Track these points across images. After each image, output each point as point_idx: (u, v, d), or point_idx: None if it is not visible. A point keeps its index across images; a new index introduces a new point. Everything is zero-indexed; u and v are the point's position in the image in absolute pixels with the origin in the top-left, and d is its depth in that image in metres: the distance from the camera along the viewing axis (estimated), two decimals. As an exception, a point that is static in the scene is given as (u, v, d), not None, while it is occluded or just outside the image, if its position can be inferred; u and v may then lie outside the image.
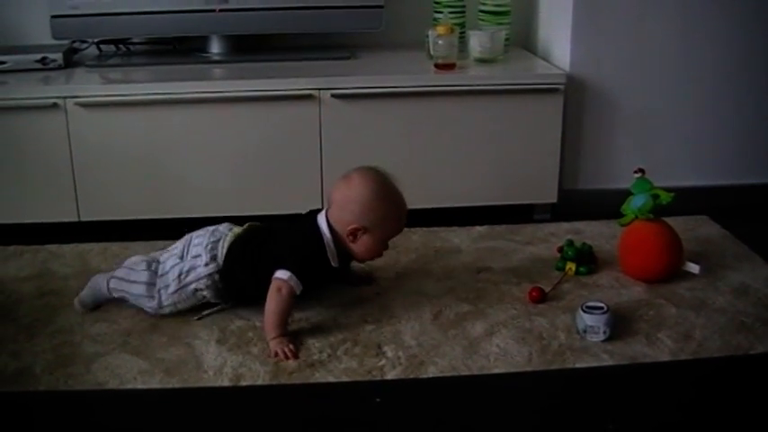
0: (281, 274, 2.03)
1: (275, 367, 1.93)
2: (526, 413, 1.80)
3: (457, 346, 2.02)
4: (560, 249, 2.45)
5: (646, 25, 2.79)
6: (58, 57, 2.81)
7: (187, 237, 2.18)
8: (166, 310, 2.12)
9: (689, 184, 2.90)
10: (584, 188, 2.94)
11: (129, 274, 2.14)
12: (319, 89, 2.64)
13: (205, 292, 2.11)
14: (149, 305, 2.11)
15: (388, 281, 2.35)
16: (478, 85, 2.71)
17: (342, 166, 2.68)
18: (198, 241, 2.13)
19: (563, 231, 2.70)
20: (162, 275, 2.11)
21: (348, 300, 2.24)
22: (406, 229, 2.57)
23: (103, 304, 2.20)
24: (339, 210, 2.09)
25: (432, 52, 2.81)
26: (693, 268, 2.34)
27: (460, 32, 2.92)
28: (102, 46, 3.05)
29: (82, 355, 1.98)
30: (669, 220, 2.36)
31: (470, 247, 2.57)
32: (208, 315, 2.14)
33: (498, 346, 2.02)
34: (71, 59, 2.90)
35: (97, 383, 1.88)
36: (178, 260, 2.12)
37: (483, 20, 3.00)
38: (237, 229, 2.17)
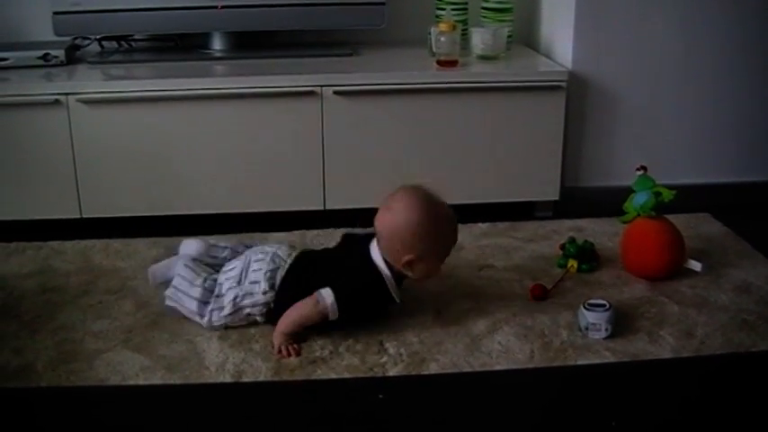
0: (326, 292, 1.98)
1: (277, 364, 1.93)
2: (528, 410, 1.80)
3: (459, 343, 2.02)
4: (562, 247, 2.45)
5: (648, 23, 2.78)
6: (60, 53, 2.81)
7: (245, 257, 2.13)
8: (215, 327, 2.08)
9: (691, 181, 2.90)
10: (587, 185, 2.94)
11: (183, 284, 2.10)
12: (321, 86, 2.63)
13: (257, 317, 2.08)
14: (199, 321, 2.07)
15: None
16: (481, 83, 2.71)
17: (344, 162, 2.69)
18: (257, 266, 2.08)
19: (565, 229, 2.70)
20: (218, 296, 2.07)
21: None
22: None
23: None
24: (388, 242, 2.00)
25: (434, 49, 2.81)
26: (695, 266, 2.34)
27: (463, 29, 2.92)
28: (104, 43, 3.04)
29: (84, 352, 1.98)
30: (671, 218, 2.36)
31: (472, 245, 2.57)
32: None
33: (500, 343, 2.02)
34: (73, 56, 2.90)
35: (99, 380, 1.88)
36: (235, 284, 2.07)
37: (485, 17, 3.00)
38: (292, 258, 2.11)
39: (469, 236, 2.64)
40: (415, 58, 2.91)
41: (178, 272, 2.13)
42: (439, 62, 2.78)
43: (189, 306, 2.08)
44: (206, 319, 2.06)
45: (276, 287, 2.05)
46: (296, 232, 2.64)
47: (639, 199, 2.35)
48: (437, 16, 2.96)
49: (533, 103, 2.73)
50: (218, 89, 2.62)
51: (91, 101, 2.58)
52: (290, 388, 1.86)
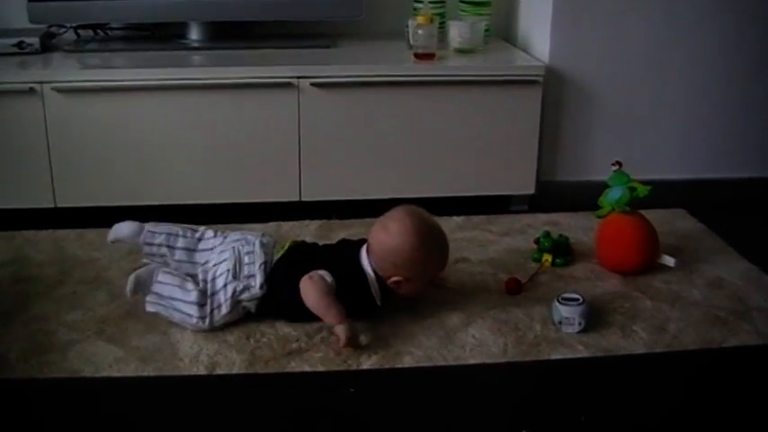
0: (313, 272, 2.00)
1: (251, 356, 1.93)
2: (500, 404, 1.81)
3: (433, 336, 2.03)
4: (537, 241, 2.46)
5: (626, 18, 2.79)
6: (35, 41, 2.78)
7: (233, 249, 2.09)
8: (216, 327, 2.04)
9: (666, 177, 2.92)
10: (562, 180, 2.95)
11: (174, 292, 2.04)
12: (298, 77, 2.63)
13: (252, 309, 2.07)
14: (196, 324, 2.02)
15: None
16: (457, 76, 2.71)
17: (320, 154, 2.69)
18: (249, 259, 2.06)
19: (540, 223, 2.70)
20: (213, 294, 2.04)
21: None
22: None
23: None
24: (380, 260, 2.03)
25: (411, 42, 2.81)
26: (669, 261, 2.36)
27: (440, 22, 2.92)
28: (79, 31, 3.02)
29: (57, 343, 1.97)
30: (646, 213, 2.37)
31: (447, 238, 2.57)
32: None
33: (474, 336, 2.03)
34: (48, 44, 2.88)
35: (72, 371, 1.87)
36: (231, 278, 2.04)
37: (463, 10, 3.00)
38: (282, 249, 2.11)
39: (445, 229, 2.60)
40: (392, 50, 2.91)
41: (160, 279, 2.06)
42: (416, 55, 2.78)
43: (186, 311, 2.02)
44: (207, 320, 2.02)
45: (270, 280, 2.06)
46: (271, 224, 2.64)
47: (614, 194, 2.36)
48: (415, 9, 2.96)
49: (510, 97, 2.74)
50: (195, 79, 2.61)
51: (66, 90, 2.57)
52: (263, 380, 1.86)
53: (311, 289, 1.98)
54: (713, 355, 1.98)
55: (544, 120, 2.82)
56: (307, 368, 1.90)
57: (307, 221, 2.66)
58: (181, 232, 2.20)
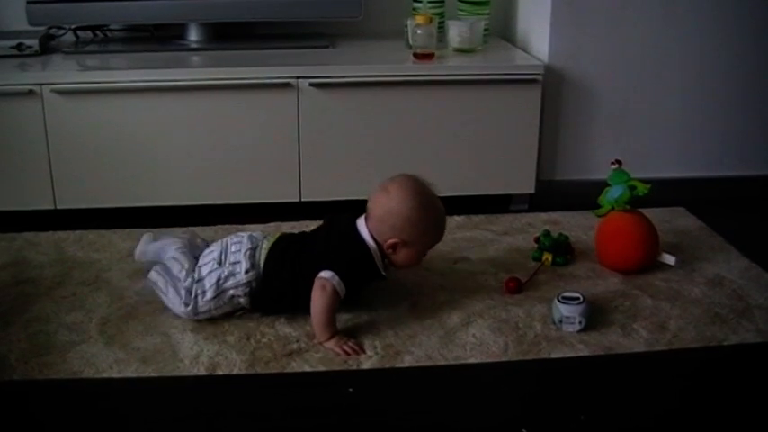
0: (325, 273, 1.99)
1: (251, 356, 1.93)
2: (500, 403, 1.81)
3: (433, 335, 2.03)
4: (537, 240, 2.46)
5: (625, 17, 2.79)
6: (35, 43, 2.79)
7: (221, 242, 2.12)
8: (201, 317, 2.06)
9: (666, 175, 2.92)
10: (562, 179, 2.95)
11: (180, 274, 2.08)
12: (297, 78, 2.63)
13: (242, 299, 2.06)
14: (183, 310, 2.05)
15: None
16: (457, 75, 2.71)
17: (319, 154, 2.69)
18: (236, 248, 2.08)
19: (540, 222, 2.70)
20: (198, 281, 2.05)
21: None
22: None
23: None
24: (379, 222, 2.04)
25: (410, 42, 2.81)
26: (669, 260, 2.36)
27: (439, 22, 2.92)
28: (79, 32, 3.02)
29: (57, 344, 1.97)
30: (646, 212, 2.37)
31: (447, 237, 2.55)
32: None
33: (474, 335, 2.03)
34: (47, 46, 2.88)
35: (72, 372, 1.87)
36: (216, 266, 2.06)
37: (462, 10, 3.00)
38: (272, 238, 2.12)
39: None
40: (391, 50, 2.91)
41: (174, 256, 2.12)
42: (415, 55, 2.78)
43: (178, 291, 2.05)
44: (190, 306, 2.03)
45: (258, 267, 2.05)
46: (271, 224, 2.63)
47: (614, 193, 2.36)
48: (414, 9, 2.96)
49: (509, 96, 2.74)
50: (194, 80, 2.61)
51: (65, 91, 2.57)
52: (264, 380, 1.86)
53: (321, 299, 1.98)
54: (714, 353, 1.98)
55: (544, 119, 2.82)
56: (307, 368, 1.90)
57: (307, 222, 2.65)
58: (199, 241, 2.26)
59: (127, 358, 1.92)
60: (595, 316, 2.09)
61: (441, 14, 2.98)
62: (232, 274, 2.05)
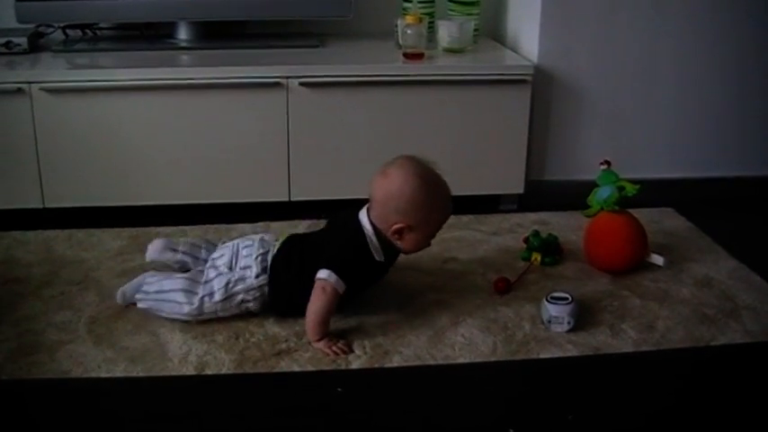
0: (323, 273, 1.96)
1: (240, 356, 1.93)
2: (489, 403, 1.81)
3: (422, 335, 2.03)
4: (526, 240, 2.46)
5: (614, 17, 2.80)
6: (23, 41, 2.77)
7: (232, 245, 2.10)
8: (205, 317, 2.04)
9: (655, 176, 2.92)
10: (551, 179, 2.95)
11: (162, 283, 2.05)
12: (287, 77, 2.63)
13: (251, 304, 2.05)
14: (185, 311, 2.02)
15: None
16: (446, 75, 2.71)
17: (309, 154, 2.69)
18: (246, 252, 2.06)
19: (529, 222, 2.71)
20: (206, 282, 2.03)
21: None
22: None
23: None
24: (381, 207, 1.99)
25: (400, 41, 2.81)
26: (658, 260, 2.37)
27: (429, 22, 2.93)
28: (68, 31, 3.01)
29: (45, 344, 1.97)
30: (634, 212, 2.38)
31: (436, 237, 2.57)
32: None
33: (463, 335, 2.03)
34: (36, 44, 2.87)
35: (61, 372, 1.87)
36: (226, 270, 2.05)
37: (452, 10, 3.01)
38: (281, 239, 2.10)
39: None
40: (381, 50, 2.91)
41: (147, 281, 2.08)
42: (405, 55, 2.78)
43: (172, 298, 2.02)
44: (195, 306, 2.01)
45: (269, 270, 2.03)
46: (261, 223, 2.63)
47: (603, 193, 2.37)
48: (404, 8, 2.96)
49: (499, 96, 2.74)
50: (184, 79, 2.61)
51: (54, 90, 2.56)
52: (253, 380, 1.86)
53: (319, 301, 1.96)
54: (702, 354, 1.99)
55: (533, 119, 2.82)
56: (296, 368, 1.90)
57: (296, 221, 2.66)
58: (203, 245, 2.24)
59: (116, 358, 1.92)
60: (584, 316, 2.09)
61: (431, 14, 2.98)
62: (242, 279, 2.03)
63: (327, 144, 2.71)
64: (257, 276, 2.03)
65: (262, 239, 2.09)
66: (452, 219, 2.67)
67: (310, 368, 1.90)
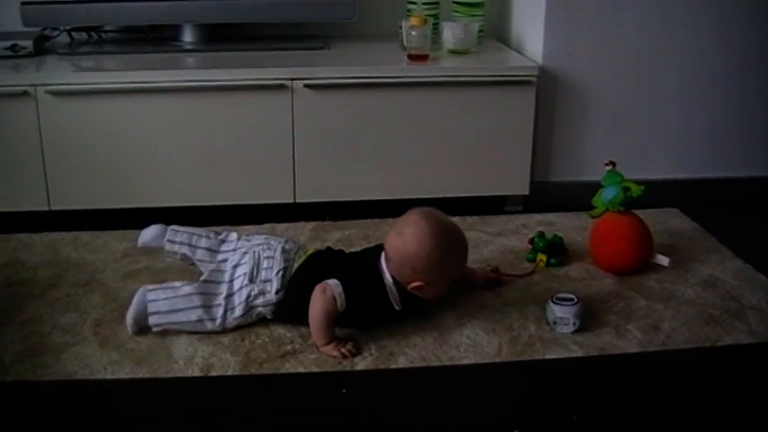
0: (332, 281, 1.96)
1: (245, 357, 1.93)
2: (494, 404, 1.81)
3: (427, 336, 2.03)
4: (531, 241, 2.46)
5: (619, 18, 2.80)
6: (29, 44, 2.78)
7: (253, 254, 2.08)
8: (227, 329, 2.03)
9: (660, 176, 2.92)
10: (556, 180, 2.95)
11: (175, 303, 2.01)
12: (292, 79, 2.63)
13: (267, 315, 2.05)
14: (208, 328, 2.01)
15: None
16: (451, 77, 2.71)
17: (314, 156, 2.69)
18: (268, 264, 2.05)
19: (534, 223, 2.71)
20: (229, 296, 2.03)
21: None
22: (379, 219, 2.59)
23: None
24: (398, 265, 1.98)
25: (405, 43, 2.81)
26: (663, 261, 2.36)
27: (434, 24, 2.93)
28: (73, 33, 3.02)
29: (51, 345, 1.97)
30: (640, 213, 2.37)
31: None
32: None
33: (468, 336, 2.03)
34: (42, 47, 2.87)
35: (66, 374, 1.87)
36: (247, 282, 2.04)
37: (457, 11, 3.01)
38: (303, 256, 2.09)
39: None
40: (386, 52, 2.91)
41: (150, 298, 2.02)
42: (410, 56, 2.78)
43: (192, 317, 2.00)
44: (218, 321, 2.01)
45: (286, 286, 2.04)
46: (266, 225, 2.64)
47: (608, 194, 2.36)
48: (408, 10, 2.96)
49: (504, 97, 2.74)
50: (189, 82, 2.61)
51: (60, 92, 2.56)
52: (258, 381, 1.86)
53: (319, 303, 1.96)
54: (707, 354, 1.99)
55: (538, 120, 2.82)
56: (301, 369, 1.90)
57: (302, 223, 2.66)
58: (204, 233, 2.23)
59: (121, 359, 1.92)
60: (589, 317, 2.09)
61: (435, 16, 2.98)
62: (262, 293, 2.03)
63: (332, 146, 2.71)
64: (277, 292, 2.03)
65: (283, 250, 2.08)
66: (458, 220, 2.70)
67: (316, 369, 1.90)
